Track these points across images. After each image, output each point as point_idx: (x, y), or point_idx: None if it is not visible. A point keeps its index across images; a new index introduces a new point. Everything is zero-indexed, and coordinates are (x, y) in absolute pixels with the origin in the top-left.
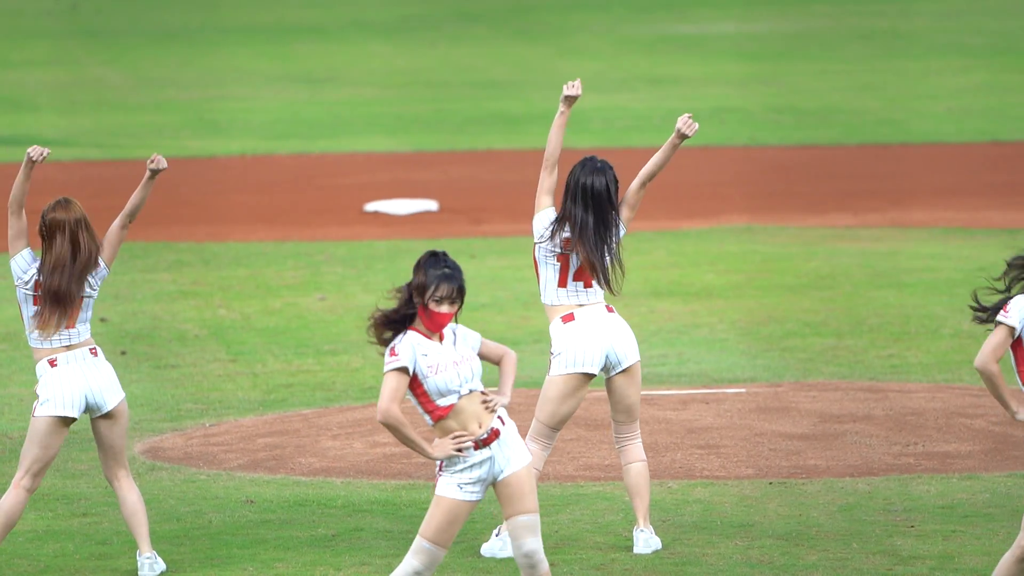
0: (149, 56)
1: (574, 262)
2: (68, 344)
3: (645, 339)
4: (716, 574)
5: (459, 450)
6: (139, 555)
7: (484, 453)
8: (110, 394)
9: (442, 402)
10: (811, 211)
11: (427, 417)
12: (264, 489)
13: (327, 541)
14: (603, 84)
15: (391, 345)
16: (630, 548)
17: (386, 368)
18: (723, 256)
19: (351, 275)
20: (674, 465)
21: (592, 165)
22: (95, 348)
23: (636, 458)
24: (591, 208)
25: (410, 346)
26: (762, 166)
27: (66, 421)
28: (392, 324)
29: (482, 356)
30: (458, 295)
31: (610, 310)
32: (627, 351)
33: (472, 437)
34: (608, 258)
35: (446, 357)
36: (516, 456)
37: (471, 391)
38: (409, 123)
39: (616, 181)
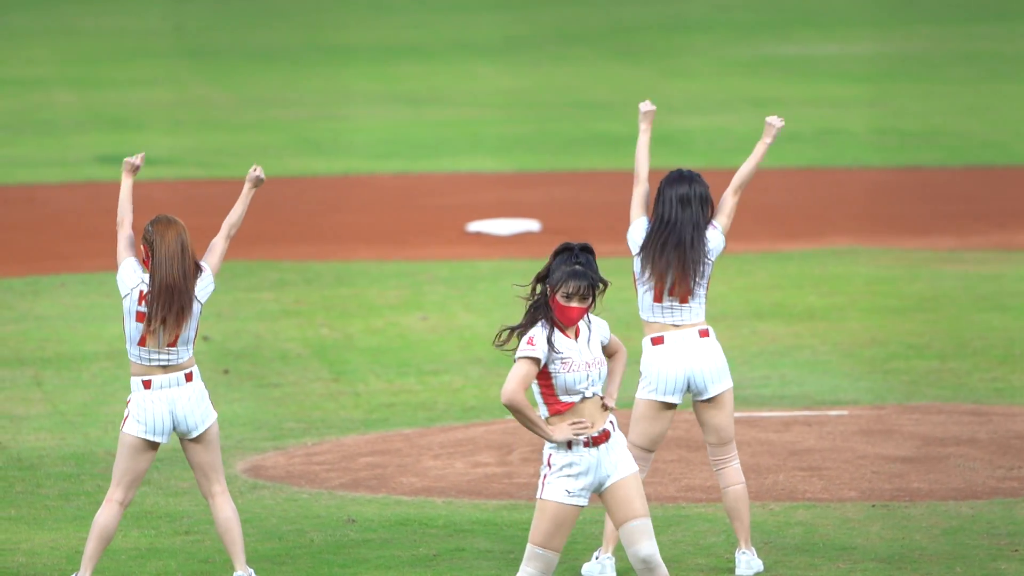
0: (252, 76)
1: (669, 277)
2: (166, 365)
3: (747, 360)
4: None
5: (577, 436)
6: (234, 574)
7: (592, 454)
8: (199, 419)
9: (564, 399)
10: (915, 233)
11: (544, 408)
12: (365, 508)
13: (428, 561)
14: (706, 105)
15: (530, 334)
16: (732, 570)
17: (519, 355)
18: (826, 278)
19: (453, 295)
20: (776, 487)
21: (678, 174)
22: (191, 372)
23: (734, 481)
24: (675, 217)
25: (545, 339)
26: (865, 188)
27: (152, 444)
28: (537, 314)
29: (604, 348)
30: (589, 291)
31: (704, 334)
32: (713, 380)
33: (591, 429)
34: (688, 266)
35: (580, 357)
36: (623, 463)
37: (593, 395)
38: (511, 143)
39: (705, 186)
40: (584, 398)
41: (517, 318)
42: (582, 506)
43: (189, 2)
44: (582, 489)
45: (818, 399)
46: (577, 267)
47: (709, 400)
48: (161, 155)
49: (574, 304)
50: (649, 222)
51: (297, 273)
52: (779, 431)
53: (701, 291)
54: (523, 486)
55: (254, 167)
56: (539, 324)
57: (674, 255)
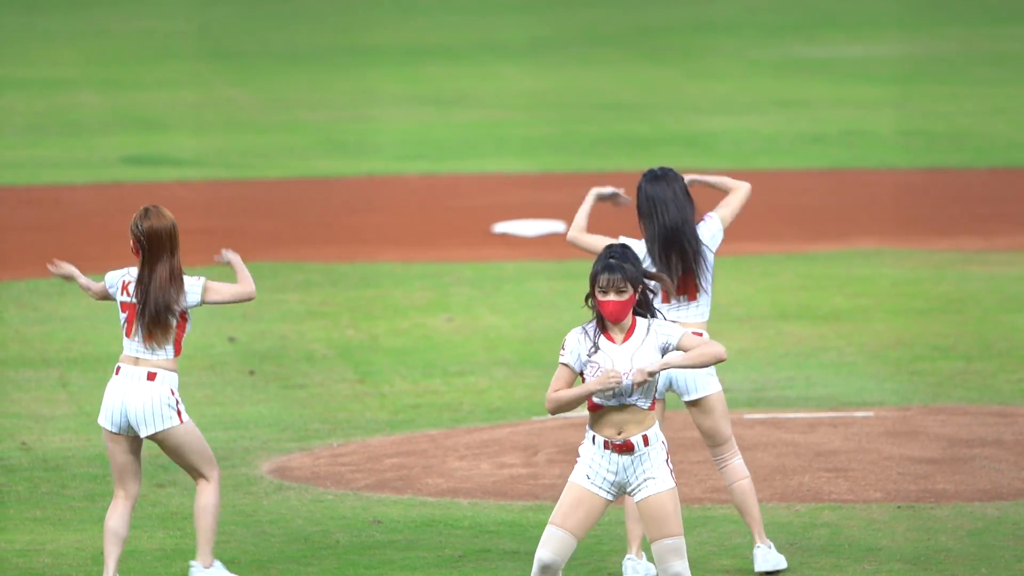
0: (278, 77)
1: (676, 276)
2: (137, 358)
3: (773, 362)
4: None
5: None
6: (190, 562)
7: (613, 459)
8: (147, 419)
9: (595, 400)
10: (941, 234)
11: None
12: (391, 509)
13: (453, 562)
14: (732, 107)
15: (566, 337)
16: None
17: (561, 359)
18: (852, 279)
19: (478, 296)
20: (802, 488)
21: (652, 175)
22: (155, 373)
23: (738, 477)
24: (667, 219)
25: (577, 342)
26: (891, 189)
27: (116, 436)
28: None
29: (680, 348)
30: (626, 284)
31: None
32: (695, 384)
33: (618, 379)
34: (690, 262)
35: (611, 364)
36: (656, 478)
37: (622, 404)
38: (537, 144)
39: (681, 180)
40: (611, 406)
41: (542, 320)
42: (604, 499)
43: (215, 4)
44: (604, 481)
45: (844, 400)
46: (611, 260)
47: (695, 403)
48: (187, 156)
49: (611, 298)
50: (645, 229)
51: (322, 274)
52: (805, 432)
53: (707, 285)
54: (549, 487)
55: (223, 252)
56: (581, 327)
57: (675, 255)
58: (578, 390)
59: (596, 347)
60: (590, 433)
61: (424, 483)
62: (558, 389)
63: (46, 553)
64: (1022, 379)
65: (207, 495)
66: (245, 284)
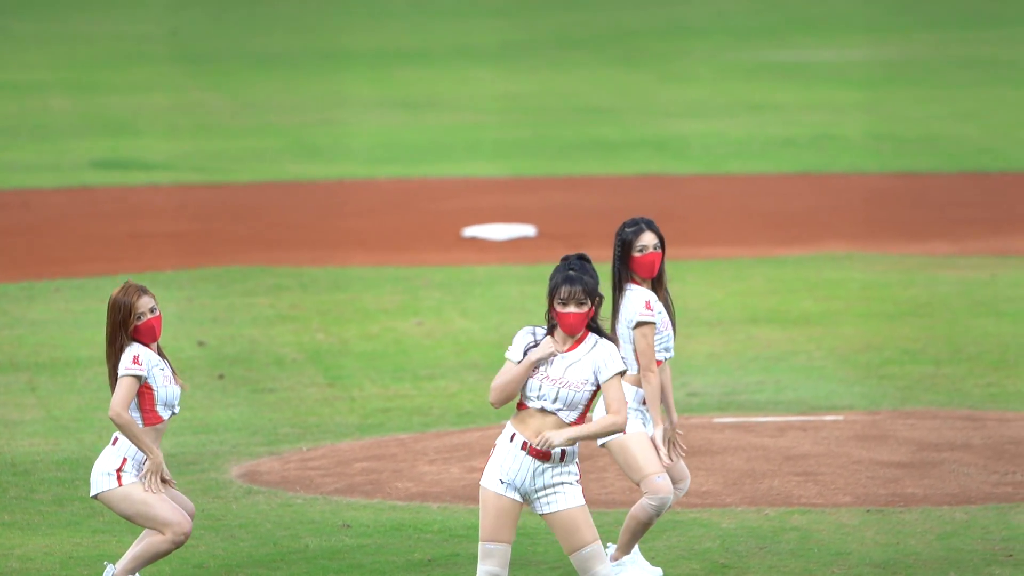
0: (250, 81)
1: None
2: None
3: (743, 365)
4: None
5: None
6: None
7: (526, 460)
8: (92, 477)
9: (525, 400)
10: (910, 239)
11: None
12: (361, 514)
13: (423, 566)
14: (703, 110)
15: (518, 333)
16: (726, 574)
17: (507, 353)
18: (822, 283)
19: (449, 300)
20: (771, 492)
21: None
22: (116, 438)
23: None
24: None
25: (523, 342)
26: (862, 193)
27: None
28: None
29: (602, 390)
30: (586, 296)
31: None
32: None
33: (556, 351)
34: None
35: (546, 369)
36: (566, 495)
37: (543, 410)
38: (509, 148)
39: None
40: (533, 408)
41: (513, 324)
42: (517, 502)
43: (186, 7)
44: (514, 483)
45: (813, 404)
46: (570, 273)
47: (603, 445)
48: (157, 160)
49: (571, 309)
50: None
51: (293, 278)
52: (774, 436)
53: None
54: None
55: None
56: (531, 327)
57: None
58: (518, 367)
59: (536, 343)
60: (511, 429)
61: (394, 487)
62: (497, 378)
63: (14, 558)
64: (991, 383)
65: (156, 535)
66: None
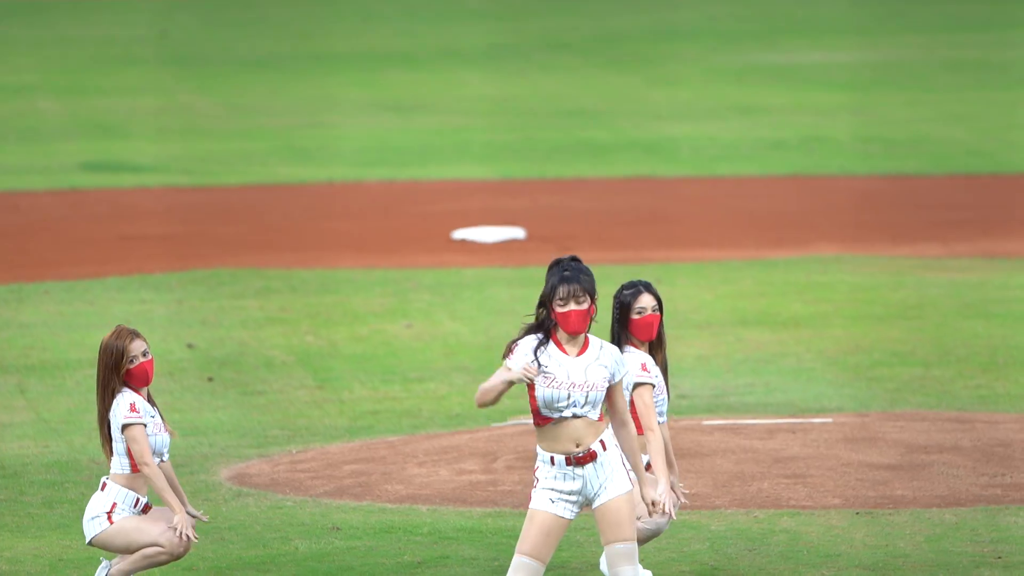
0: (239, 83)
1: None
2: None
3: (732, 367)
4: None
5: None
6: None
7: (576, 472)
8: (84, 525)
9: (545, 413)
10: (900, 241)
11: (533, 418)
12: (350, 516)
13: (412, 568)
14: (692, 113)
15: (519, 342)
16: None
17: (506, 363)
18: (811, 286)
19: (438, 302)
20: (760, 494)
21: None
22: (104, 483)
23: None
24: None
25: (524, 355)
26: (851, 196)
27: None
28: (532, 331)
29: (610, 396)
30: (584, 293)
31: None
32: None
33: (534, 373)
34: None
35: (566, 376)
36: (614, 483)
37: (575, 416)
38: (497, 151)
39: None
40: (563, 418)
41: (502, 326)
42: (568, 519)
43: (175, 10)
44: (567, 502)
45: (802, 406)
46: (566, 273)
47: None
48: (147, 162)
49: (571, 308)
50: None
51: (282, 280)
52: (763, 438)
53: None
54: (508, 493)
55: (196, 519)
56: (531, 336)
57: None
58: (498, 377)
59: (536, 357)
60: (545, 455)
61: (383, 489)
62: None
63: (3, 560)
64: (980, 385)
65: (154, 547)
66: (151, 472)
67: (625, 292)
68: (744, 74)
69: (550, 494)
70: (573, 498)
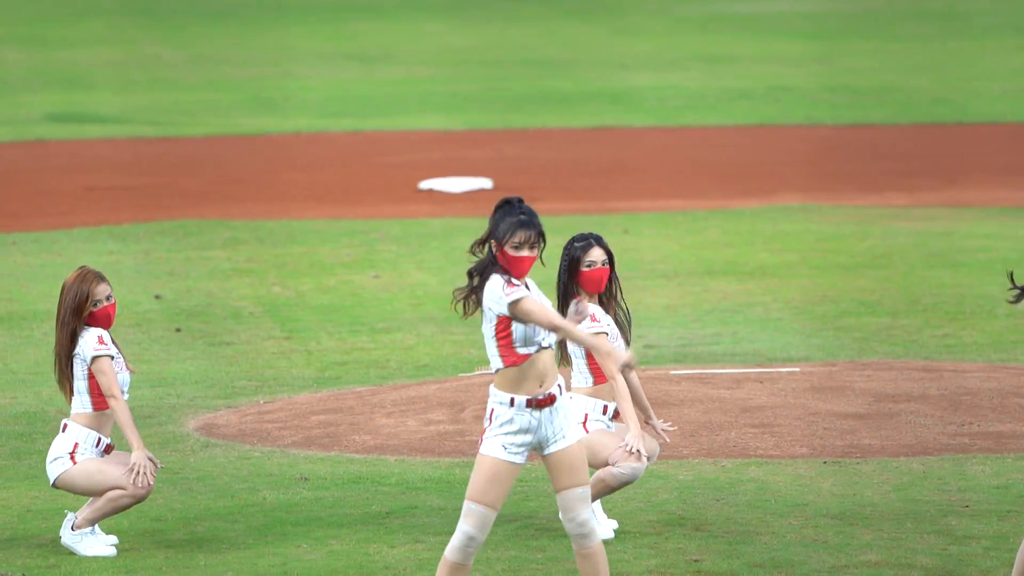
0: (204, 34)
1: None
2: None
3: (699, 318)
4: (770, 552)
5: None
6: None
7: (534, 415)
8: (48, 466)
9: (522, 351)
10: (866, 190)
11: (499, 360)
12: (318, 466)
13: (381, 518)
14: (657, 63)
15: (507, 280)
16: (684, 526)
17: (512, 298)
18: (778, 235)
19: (405, 253)
20: (728, 444)
21: (516, 211)
22: (65, 424)
23: None
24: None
25: (522, 284)
26: (817, 145)
27: None
28: (477, 273)
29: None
30: (538, 239)
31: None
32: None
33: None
34: None
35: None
36: (568, 429)
37: (549, 346)
38: (463, 101)
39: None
40: (540, 348)
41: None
42: (519, 464)
43: None
44: (519, 447)
45: (770, 356)
46: (522, 217)
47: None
48: (111, 114)
49: (524, 253)
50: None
51: (249, 231)
52: (731, 388)
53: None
54: (475, 444)
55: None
56: (503, 276)
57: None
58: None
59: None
60: (505, 396)
61: (351, 440)
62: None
63: None
64: (947, 334)
65: (117, 491)
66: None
67: (576, 244)
68: (709, 23)
69: (502, 439)
70: (525, 442)
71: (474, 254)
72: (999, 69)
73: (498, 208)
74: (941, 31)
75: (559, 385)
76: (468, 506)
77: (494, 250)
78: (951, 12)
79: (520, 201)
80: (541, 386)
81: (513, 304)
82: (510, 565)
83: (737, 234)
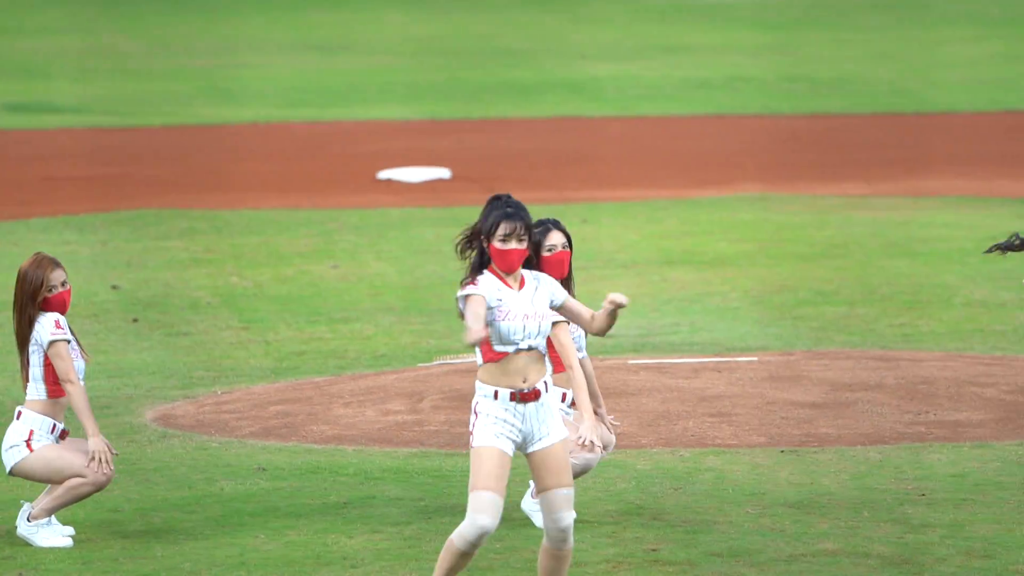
0: (163, 23)
1: None
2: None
3: (657, 307)
4: (728, 541)
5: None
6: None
7: (518, 409)
8: (3, 458)
9: (498, 348)
10: (824, 180)
11: (479, 355)
12: (276, 457)
13: (338, 509)
14: (617, 52)
15: (472, 276)
16: (642, 515)
17: (465, 292)
18: (736, 225)
19: (364, 243)
20: (686, 433)
21: (502, 204)
22: (20, 411)
23: None
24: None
25: (491, 284)
26: (776, 135)
27: None
28: (470, 243)
29: (565, 311)
30: (525, 232)
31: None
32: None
33: (480, 336)
34: None
35: (519, 307)
36: (553, 429)
37: (530, 348)
38: (422, 91)
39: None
40: (519, 350)
41: (427, 266)
42: (509, 455)
43: None
44: (507, 438)
45: (727, 345)
46: (508, 210)
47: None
48: (70, 103)
49: (512, 246)
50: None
51: (207, 221)
52: (689, 377)
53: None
54: (434, 433)
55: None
56: (488, 275)
57: None
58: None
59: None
60: (489, 389)
61: (309, 430)
62: (481, 321)
63: None
64: (904, 323)
65: (76, 479)
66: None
67: (535, 231)
68: (668, 13)
69: (491, 429)
70: (512, 435)
71: (462, 257)
72: (957, 59)
73: (487, 204)
74: (899, 21)
75: (545, 382)
76: (478, 496)
77: (484, 245)
78: (910, 2)
79: (508, 197)
80: (524, 381)
81: (462, 300)
82: None
83: (695, 224)
